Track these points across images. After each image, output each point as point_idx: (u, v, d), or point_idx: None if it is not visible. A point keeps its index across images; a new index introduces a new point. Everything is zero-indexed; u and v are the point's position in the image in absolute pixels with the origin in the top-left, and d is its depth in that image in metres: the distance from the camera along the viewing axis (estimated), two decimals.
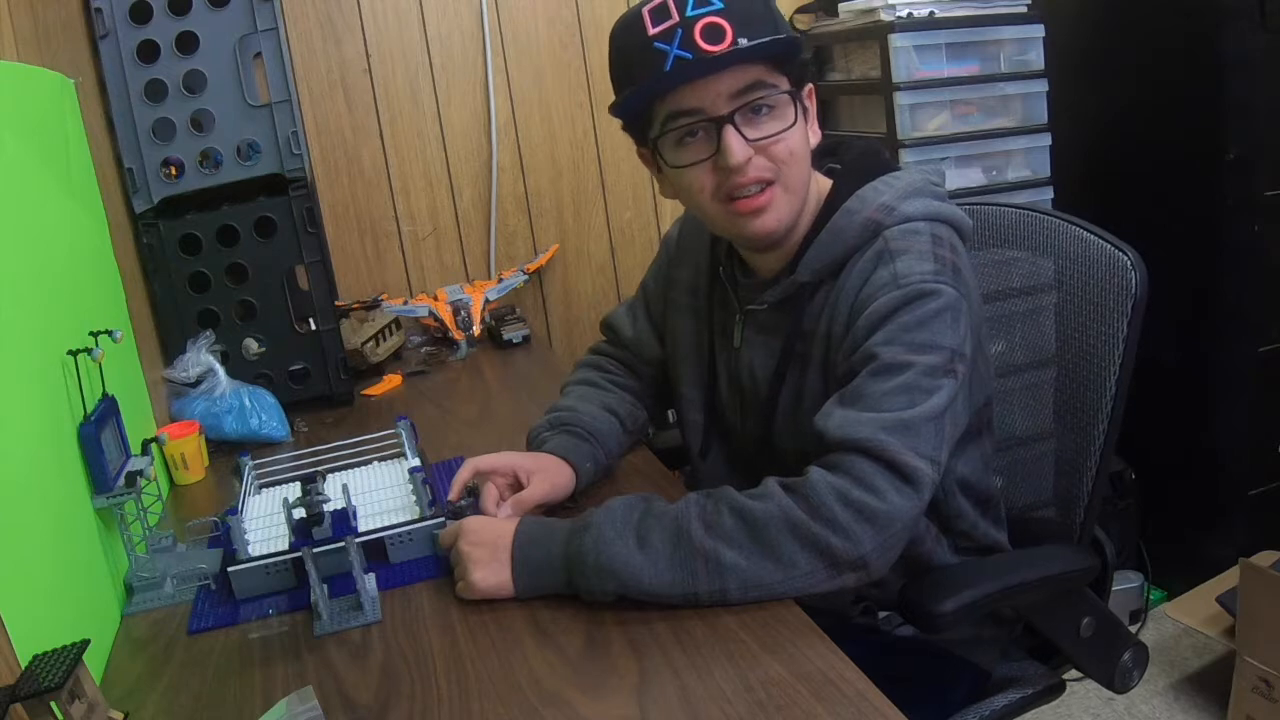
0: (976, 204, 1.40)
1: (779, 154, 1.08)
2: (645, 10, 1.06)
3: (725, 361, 1.27)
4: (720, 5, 1.03)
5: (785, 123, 1.07)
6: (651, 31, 1.05)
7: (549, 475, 1.22)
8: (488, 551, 1.03)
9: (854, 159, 1.19)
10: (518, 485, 1.22)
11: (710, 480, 1.30)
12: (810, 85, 1.13)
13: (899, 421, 0.97)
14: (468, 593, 1.03)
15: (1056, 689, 1.23)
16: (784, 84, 1.08)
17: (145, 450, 1.29)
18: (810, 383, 1.14)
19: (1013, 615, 1.24)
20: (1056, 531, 1.27)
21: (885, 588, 1.09)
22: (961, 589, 1.07)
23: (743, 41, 1.03)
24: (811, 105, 1.14)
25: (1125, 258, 1.18)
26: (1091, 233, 1.23)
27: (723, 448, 1.32)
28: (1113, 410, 1.18)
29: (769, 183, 1.09)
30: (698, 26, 1.03)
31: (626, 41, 1.09)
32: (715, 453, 1.33)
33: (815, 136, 1.14)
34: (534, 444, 1.31)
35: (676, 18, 1.04)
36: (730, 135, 1.05)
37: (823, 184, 1.17)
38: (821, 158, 1.20)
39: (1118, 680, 1.20)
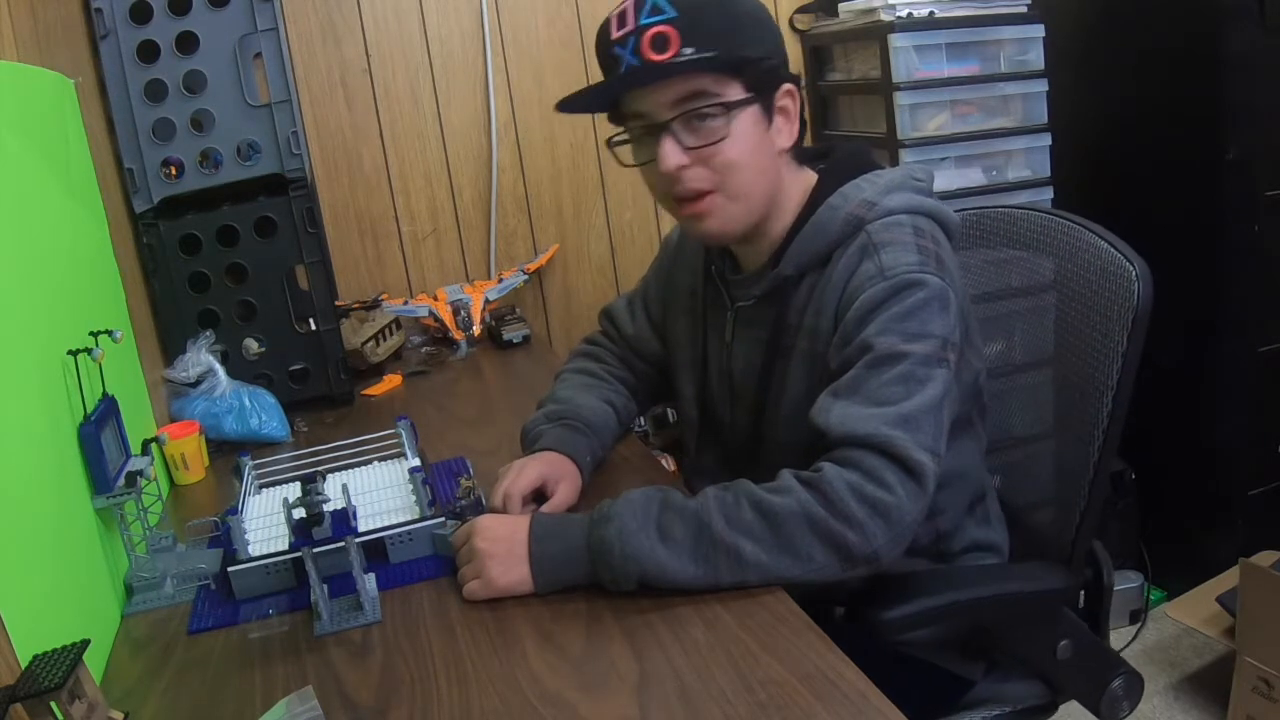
0: (978, 206, 1.39)
1: (717, 164, 1.11)
2: (612, 15, 1.11)
3: (717, 357, 1.29)
4: (672, 14, 1.07)
5: (720, 134, 1.10)
6: (613, 36, 1.10)
7: (571, 480, 1.23)
8: (504, 548, 1.03)
9: (839, 159, 1.22)
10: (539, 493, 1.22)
11: (703, 475, 1.32)
12: (787, 86, 1.14)
13: (900, 415, 0.99)
14: (485, 591, 1.03)
15: (1046, 709, 1.20)
16: (733, 92, 1.09)
17: (145, 450, 1.29)
18: (793, 375, 1.16)
19: (980, 627, 1.22)
20: (1050, 545, 1.24)
21: (841, 584, 1.08)
22: (911, 598, 1.06)
23: (688, 51, 1.06)
24: (792, 105, 1.15)
25: (1132, 268, 1.13)
26: (1104, 239, 1.19)
27: (715, 443, 1.33)
28: (1109, 427, 1.14)
29: (708, 191, 1.12)
30: (647, 35, 1.07)
31: (598, 44, 1.14)
32: (709, 448, 1.34)
33: (789, 138, 1.15)
34: (530, 437, 1.31)
35: (631, 25, 1.08)
36: (665, 143, 1.10)
37: (808, 181, 1.19)
38: (812, 160, 1.22)
39: (1104, 708, 1.16)
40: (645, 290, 1.44)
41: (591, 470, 1.28)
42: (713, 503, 0.99)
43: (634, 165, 1.16)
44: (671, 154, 1.10)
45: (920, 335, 1.03)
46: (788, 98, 1.14)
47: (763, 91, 1.12)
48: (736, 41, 1.08)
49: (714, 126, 1.09)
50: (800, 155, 1.20)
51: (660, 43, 1.07)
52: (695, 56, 1.06)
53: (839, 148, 1.25)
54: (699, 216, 1.14)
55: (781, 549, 0.96)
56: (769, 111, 1.13)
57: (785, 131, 1.15)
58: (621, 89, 1.12)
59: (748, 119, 1.11)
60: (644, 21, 1.07)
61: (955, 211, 1.19)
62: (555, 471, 1.22)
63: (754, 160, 1.12)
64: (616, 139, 1.17)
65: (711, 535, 0.97)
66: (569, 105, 1.15)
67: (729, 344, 1.26)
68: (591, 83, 1.13)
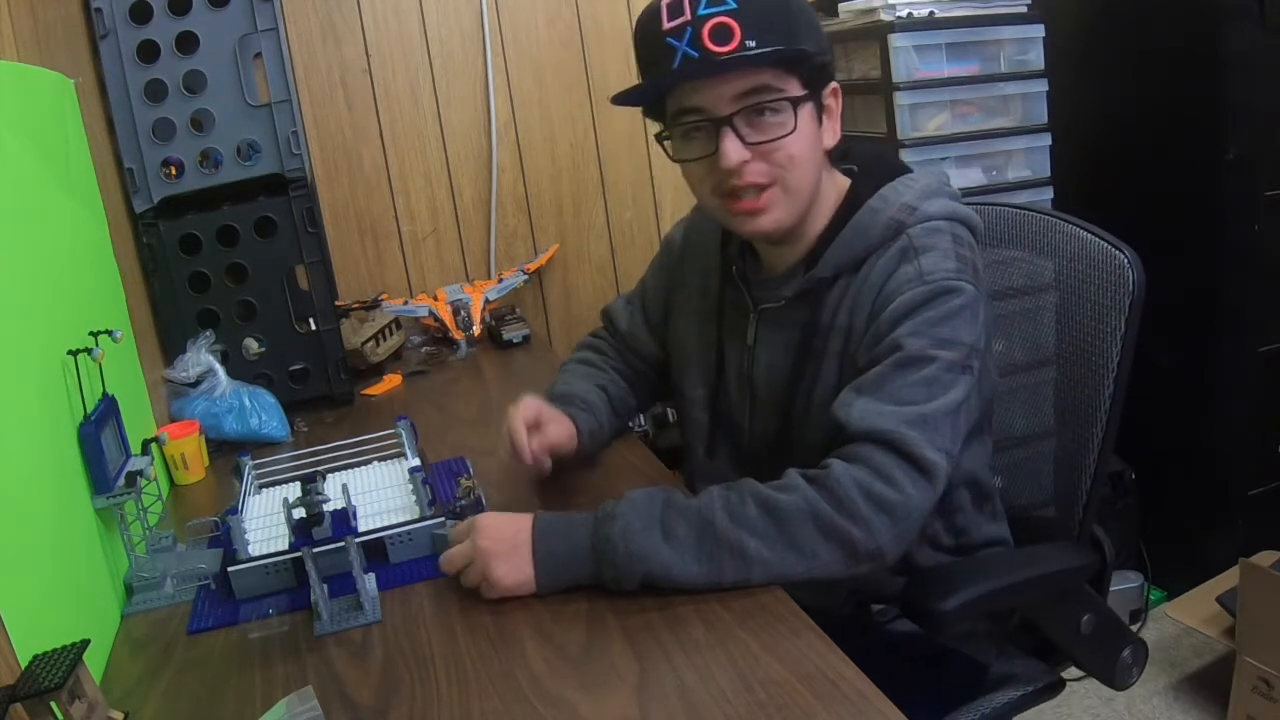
0: (976, 204, 1.39)
1: (779, 158, 1.09)
2: (663, 3, 1.07)
3: (736, 361, 1.27)
4: (732, 5, 1.04)
5: (786, 128, 1.08)
6: (665, 26, 1.06)
7: (562, 422, 1.28)
8: (507, 546, 1.03)
9: (870, 161, 1.21)
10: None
11: (715, 480, 1.30)
12: (834, 84, 1.14)
13: (919, 415, 1.00)
14: (490, 592, 1.02)
15: (1055, 687, 1.23)
16: (793, 88, 1.08)
17: (145, 450, 1.29)
18: (825, 375, 1.16)
19: (1008, 609, 1.24)
20: (1056, 530, 1.27)
21: (876, 581, 1.10)
22: (963, 586, 1.07)
23: (750, 44, 1.04)
24: (835, 104, 1.15)
25: (1122, 256, 1.18)
26: (1090, 232, 1.24)
27: (729, 447, 1.32)
28: (1111, 408, 1.19)
29: (766, 185, 1.10)
30: (707, 26, 1.04)
31: (644, 33, 1.11)
32: (722, 452, 1.33)
33: (834, 137, 1.15)
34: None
35: (688, 15, 1.05)
36: (727, 138, 1.07)
37: (841, 183, 1.19)
38: (835, 160, 1.21)
39: (1118, 677, 1.21)
40: (644, 291, 1.44)
41: (589, 444, 1.32)
42: (717, 501, 0.99)
43: (684, 160, 1.14)
44: (734, 150, 1.07)
45: (950, 341, 1.04)
46: (833, 97, 1.14)
47: (815, 88, 1.11)
48: (795, 36, 1.07)
49: (779, 121, 1.08)
50: (832, 156, 1.19)
51: (722, 34, 1.04)
52: (760, 50, 1.04)
53: (855, 148, 1.24)
54: (755, 212, 1.12)
55: (786, 545, 0.96)
56: (820, 109, 1.13)
57: (831, 131, 1.15)
58: (682, 80, 1.09)
59: (807, 115, 1.10)
60: (703, 12, 1.04)
61: None
62: (549, 412, 1.27)
63: (811, 156, 1.12)
64: (665, 134, 1.15)
65: (715, 533, 0.97)
66: (623, 99, 1.13)
67: (751, 347, 1.24)
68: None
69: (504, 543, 1.03)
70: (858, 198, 1.15)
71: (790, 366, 1.19)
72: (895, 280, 1.09)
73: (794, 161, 1.10)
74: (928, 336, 1.04)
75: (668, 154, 1.16)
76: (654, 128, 1.19)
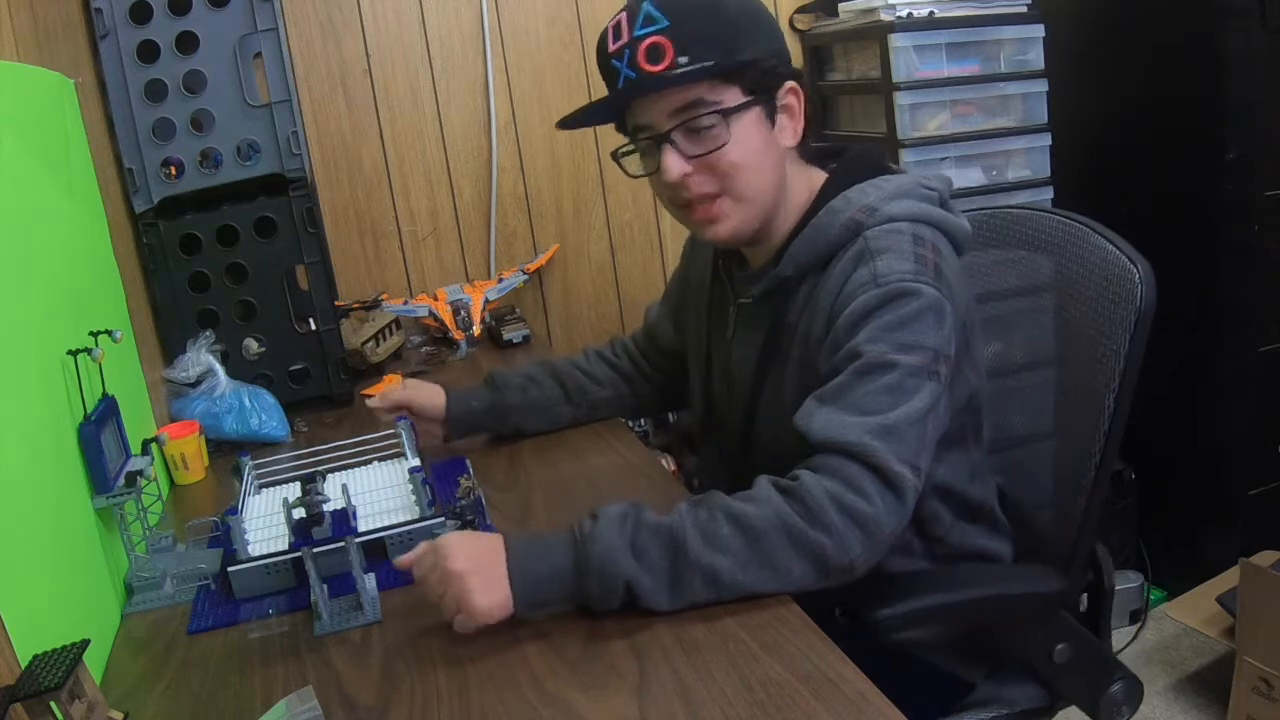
0: (982, 209, 1.38)
1: (721, 168, 1.11)
2: (609, 27, 1.11)
3: (720, 354, 1.29)
4: (664, 24, 1.07)
5: (720, 140, 1.10)
6: (610, 49, 1.10)
7: (424, 390, 1.45)
8: (480, 565, 0.97)
9: (850, 160, 1.20)
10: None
11: (706, 471, 1.33)
12: (789, 84, 1.14)
13: (882, 425, 0.97)
14: (468, 622, 0.95)
15: (1042, 712, 1.19)
16: (731, 98, 1.09)
17: (145, 450, 1.29)
18: (788, 379, 1.15)
19: (982, 628, 1.21)
20: (1050, 547, 1.23)
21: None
22: (900, 599, 1.06)
23: (682, 60, 1.07)
24: (796, 102, 1.15)
25: (1135, 270, 1.13)
26: (1107, 239, 1.19)
27: (716, 440, 1.33)
28: (1110, 428, 1.14)
29: (715, 195, 1.12)
30: (642, 46, 1.07)
31: (598, 57, 1.14)
32: (710, 445, 1.34)
33: (794, 135, 1.15)
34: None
35: (626, 37, 1.08)
36: (666, 153, 1.11)
37: (815, 181, 1.19)
38: (824, 159, 1.21)
39: (1102, 712, 1.16)
40: (672, 286, 1.47)
41: (479, 414, 1.44)
42: (688, 520, 0.96)
43: (641, 176, 1.17)
44: (674, 164, 1.10)
45: (911, 346, 1.01)
46: (790, 95, 1.14)
47: (763, 92, 1.11)
48: (732, 46, 1.08)
49: (714, 134, 1.09)
50: (810, 154, 1.19)
51: (655, 53, 1.07)
52: (690, 66, 1.06)
53: (851, 148, 1.24)
54: (709, 221, 1.14)
55: (759, 564, 0.94)
56: (771, 111, 1.13)
57: (789, 129, 1.15)
58: (619, 103, 1.12)
59: (749, 122, 1.11)
60: (638, 33, 1.07)
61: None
62: (415, 382, 1.46)
63: (758, 161, 1.12)
64: (622, 151, 1.17)
65: (688, 558, 0.94)
66: (571, 122, 1.16)
67: (729, 341, 1.25)
68: (592, 84, 1.14)
69: (475, 561, 0.97)
70: (825, 197, 1.15)
71: (755, 365, 1.19)
72: (851, 284, 1.07)
73: (737, 169, 1.11)
74: (887, 342, 1.01)
75: (625, 171, 1.18)
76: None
